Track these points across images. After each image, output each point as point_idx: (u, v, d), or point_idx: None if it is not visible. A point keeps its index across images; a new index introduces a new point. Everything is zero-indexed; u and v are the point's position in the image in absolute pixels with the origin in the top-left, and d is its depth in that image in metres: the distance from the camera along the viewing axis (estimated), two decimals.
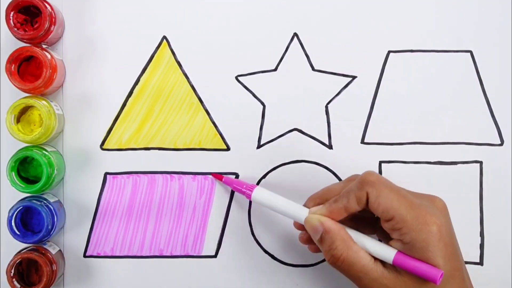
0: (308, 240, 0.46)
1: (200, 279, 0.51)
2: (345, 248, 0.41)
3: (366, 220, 0.45)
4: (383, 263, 0.41)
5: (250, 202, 0.51)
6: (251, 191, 0.47)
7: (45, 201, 0.48)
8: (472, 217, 0.51)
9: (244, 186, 0.47)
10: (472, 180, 0.51)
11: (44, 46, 0.49)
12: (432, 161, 0.51)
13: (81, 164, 0.51)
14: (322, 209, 0.43)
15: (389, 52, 0.51)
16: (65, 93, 0.51)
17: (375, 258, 0.41)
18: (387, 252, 0.41)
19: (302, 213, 0.44)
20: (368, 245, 0.42)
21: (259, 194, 0.46)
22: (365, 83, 0.51)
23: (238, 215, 0.51)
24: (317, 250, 0.46)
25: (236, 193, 0.51)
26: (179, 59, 0.51)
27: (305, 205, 0.46)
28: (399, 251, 0.41)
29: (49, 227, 0.47)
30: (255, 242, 0.51)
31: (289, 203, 0.45)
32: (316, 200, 0.45)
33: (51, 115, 0.47)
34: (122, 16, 0.51)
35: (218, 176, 0.50)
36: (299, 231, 0.47)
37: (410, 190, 0.43)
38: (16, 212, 0.47)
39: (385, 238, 0.43)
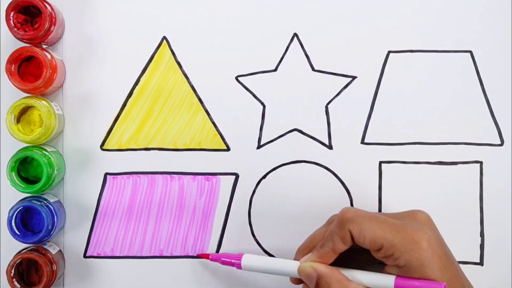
0: None
1: (200, 279, 0.51)
2: None
3: (359, 251, 0.45)
4: None
5: (250, 202, 0.51)
6: (240, 259, 0.47)
7: (45, 201, 0.48)
8: (472, 217, 0.51)
9: (232, 258, 0.47)
10: (472, 180, 0.51)
11: (44, 46, 0.49)
12: (432, 161, 0.51)
13: (81, 164, 0.51)
14: (311, 256, 0.44)
15: (389, 52, 0.51)
16: (65, 93, 0.51)
17: None
18: (386, 280, 0.41)
19: (294, 266, 0.45)
20: (364, 279, 0.42)
21: (248, 260, 0.47)
22: (365, 83, 0.51)
23: (238, 215, 0.51)
24: None
25: (236, 193, 0.51)
26: (179, 59, 0.51)
27: (295, 259, 0.46)
28: (397, 276, 0.41)
29: (49, 227, 0.47)
30: (255, 242, 0.51)
31: (280, 262, 0.46)
32: (304, 251, 0.46)
33: (51, 115, 0.47)
34: (122, 16, 0.51)
35: (204, 255, 0.50)
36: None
37: (388, 213, 0.44)
38: (16, 212, 0.47)
39: (382, 263, 0.43)
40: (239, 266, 0.47)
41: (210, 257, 0.49)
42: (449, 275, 0.40)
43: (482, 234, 0.51)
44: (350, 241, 0.42)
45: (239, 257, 0.47)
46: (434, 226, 0.43)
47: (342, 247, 0.42)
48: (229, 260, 0.48)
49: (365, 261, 0.44)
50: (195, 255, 0.51)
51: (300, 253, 0.46)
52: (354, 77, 0.51)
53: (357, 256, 0.44)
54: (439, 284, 0.39)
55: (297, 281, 0.46)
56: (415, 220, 0.43)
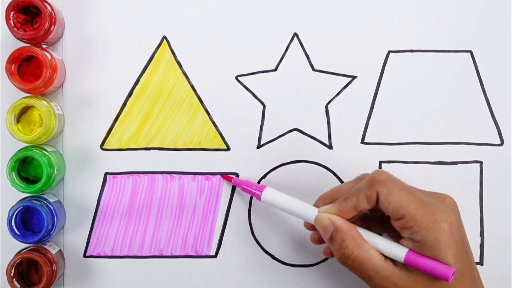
0: (319, 240, 0.46)
1: (200, 279, 0.51)
2: (355, 247, 0.41)
3: (376, 219, 0.45)
4: (393, 261, 0.41)
5: (250, 203, 0.51)
6: (261, 191, 0.47)
7: (45, 201, 0.48)
8: (472, 217, 0.51)
9: (254, 187, 0.47)
10: (472, 180, 0.51)
11: (44, 46, 0.49)
12: (432, 161, 0.51)
13: (81, 164, 0.51)
14: (332, 207, 0.43)
15: (389, 52, 0.51)
16: (65, 93, 0.51)
17: (386, 257, 0.41)
18: (398, 251, 0.41)
19: (312, 213, 0.44)
20: (379, 243, 0.42)
21: (269, 194, 0.46)
22: (365, 83, 0.51)
23: (238, 215, 0.51)
24: (329, 251, 0.46)
25: (236, 194, 0.51)
26: (179, 59, 0.51)
27: (315, 205, 0.45)
28: (410, 249, 0.41)
29: (49, 227, 0.47)
30: (255, 242, 0.51)
31: (299, 204, 0.45)
32: (326, 200, 0.45)
33: (51, 115, 0.47)
34: (122, 16, 0.51)
35: (227, 177, 0.50)
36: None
37: (420, 189, 0.43)
38: (16, 212, 0.47)
39: (395, 237, 0.43)
40: (258, 197, 0.47)
41: (232, 181, 0.49)
42: (462, 264, 0.40)
43: (482, 234, 0.51)
44: (374, 202, 0.41)
45: (261, 188, 0.47)
46: (458, 214, 0.43)
47: (365, 205, 0.42)
48: (250, 189, 0.47)
49: (378, 230, 0.44)
50: (195, 254, 0.51)
51: (321, 201, 0.46)
52: (354, 77, 0.51)
53: (371, 228, 0.43)
54: (448, 269, 0.39)
55: (311, 227, 0.46)
56: (443, 202, 0.42)
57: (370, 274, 0.41)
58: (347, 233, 0.42)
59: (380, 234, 0.43)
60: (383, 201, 0.41)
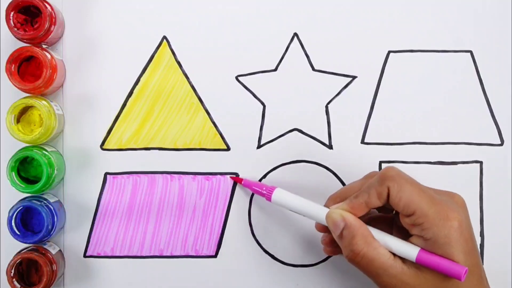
0: (330, 242, 0.46)
1: (200, 279, 0.51)
2: (365, 244, 0.41)
3: (383, 220, 0.45)
4: (402, 260, 0.41)
5: (250, 203, 0.51)
6: (271, 193, 0.47)
7: (45, 201, 0.48)
8: (472, 217, 0.51)
9: (264, 188, 0.47)
10: (472, 180, 0.51)
11: (44, 46, 0.49)
12: (432, 161, 0.51)
13: (81, 164, 0.51)
14: (343, 205, 0.43)
15: (389, 52, 0.51)
16: (65, 93, 0.51)
17: (395, 255, 0.41)
18: (410, 250, 0.41)
19: (323, 213, 0.44)
20: (390, 242, 0.42)
21: (279, 196, 0.46)
22: (365, 83, 0.51)
23: (238, 215, 0.51)
24: (331, 249, 0.46)
25: (236, 194, 0.51)
26: (179, 59, 0.51)
27: (325, 206, 0.45)
28: (422, 248, 0.40)
29: (49, 227, 0.47)
30: (255, 242, 0.51)
31: (309, 204, 0.45)
32: (336, 199, 0.45)
33: (51, 115, 0.47)
34: (122, 16, 0.51)
35: (238, 179, 0.50)
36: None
37: (428, 186, 0.43)
38: (16, 212, 0.47)
39: (402, 237, 0.43)
40: (269, 198, 0.47)
41: (242, 182, 0.49)
42: (471, 262, 0.40)
43: (482, 234, 0.51)
44: (385, 198, 0.41)
45: (271, 189, 0.47)
46: (467, 212, 0.43)
47: (376, 202, 0.42)
48: (260, 190, 0.47)
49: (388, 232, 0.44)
50: (195, 254, 0.51)
51: (331, 201, 0.46)
52: (354, 77, 0.51)
53: (381, 226, 0.43)
54: (461, 267, 0.39)
55: (322, 228, 0.46)
56: (452, 200, 0.42)
57: (378, 272, 0.41)
58: (357, 230, 0.41)
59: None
60: (394, 196, 0.41)
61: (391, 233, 0.44)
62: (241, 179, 0.50)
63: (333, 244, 0.46)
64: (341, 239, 0.42)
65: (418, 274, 0.40)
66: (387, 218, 0.44)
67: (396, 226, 0.43)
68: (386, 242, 0.42)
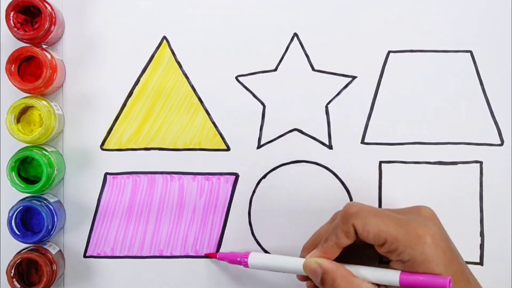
0: (315, 286, 0.46)
1: (200, 279, 0.51)
2: (347, 284, 0.41)
3: (369, 249, 0.45)
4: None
5: (250, 202, 0.51)
6: (247, 258, 0.47)
7: (45, 201, 0.48)
8: (472, 217, 0.51)
9: (239, 257, 0.48)
10: (472, 180, 0.51)
11: (44, 46, 0.49)
12: (432, 161, 0.51)
13: (81, 164, 0.51)
14: (316, 252, 0.44)
15: (389, 52, 0.51)
16: (65, 93, 0.51)
17: (379, 285, 0.42)
18: (391, 276, 0.41)
19: (300, 263, 0.45)
20: (369, 275, 0.42)
21: (255, 259, 0.47)
22: (365, 83, 0.51)
23: (238, 215, 0.51)
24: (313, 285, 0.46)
25: (236, 193, 0.51)
26: (179, 59, 0.51)
27: (301, 256, 0.46)
28: (402, 271, 0.41)
29: (49, 227, 0.47)
30: (255, 242, 0.51)
31: (285, 259, 0.46)
32: (310, 248, 0.46)
33: (51, 115, 0.47)
34: (122, 16, 0.51)
35: (212, 254, 0.50)
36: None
37: (392, 208, 0.44)
38: (16, 212, 0.47)
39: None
40: (246, 265, 0.47)
41: (217, 256, 0.49)
42: (454, 270, 0.40)
43: (482, 234, 0.51)
44: (353, 235, 0.42)
45: (245, 255, 0.47)
46: (438, 221, 0.43)
47: (345, 241, 0.42)
48: (236, 259, 0.48)
49: (369, 257, 0.44)
50: (195, 255, 0.51)
51: (305, 250, 0.46)
52: (354, 77, 0.51)
53: (360, 252, 0.44)
54: (444, 279, 0.39)
55: (304, 278, 0.46)
56: (420, 215, 0.43)
57: None
58: (336, 273, 0.42)
59: (380, 260, 0.43)
60: (361, 232, 0.41)
61: (377, 257, 0.44)
62: (215, 254, 0.50)
63: None
64: (323, 286, 0.43)
65: None
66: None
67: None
68: (366, 276, 0.42)
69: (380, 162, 0.51)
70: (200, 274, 0.51)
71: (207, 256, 0.51)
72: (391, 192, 0.51)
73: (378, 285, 0.42)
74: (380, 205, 0.51)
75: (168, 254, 0.51)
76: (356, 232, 0.41)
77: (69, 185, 0.51)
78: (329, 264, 0.42)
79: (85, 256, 0.51)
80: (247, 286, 0.51)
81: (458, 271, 0.41)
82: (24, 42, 0.48)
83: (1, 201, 0.50)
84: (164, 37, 0.51)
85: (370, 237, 0.41)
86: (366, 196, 0.51)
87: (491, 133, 0.51)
